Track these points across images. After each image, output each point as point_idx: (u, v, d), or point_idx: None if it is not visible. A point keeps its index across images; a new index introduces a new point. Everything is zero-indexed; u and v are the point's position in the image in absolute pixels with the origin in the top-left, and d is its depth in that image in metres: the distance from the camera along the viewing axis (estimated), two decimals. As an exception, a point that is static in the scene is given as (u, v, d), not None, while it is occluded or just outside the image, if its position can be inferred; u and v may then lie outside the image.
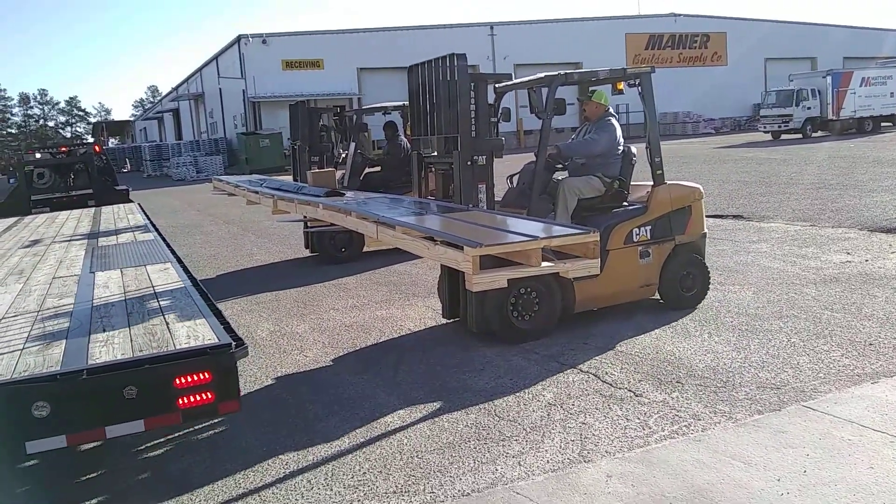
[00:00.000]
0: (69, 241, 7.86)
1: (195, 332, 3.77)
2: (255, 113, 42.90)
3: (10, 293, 5.13)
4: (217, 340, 3.60)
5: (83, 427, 3.41)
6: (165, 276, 5.31)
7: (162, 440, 4.75)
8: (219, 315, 4.08)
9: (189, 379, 3.46)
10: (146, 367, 3.39)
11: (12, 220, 11.25)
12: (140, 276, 5.36)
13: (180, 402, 3.47)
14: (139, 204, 12.39)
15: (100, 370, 3.33)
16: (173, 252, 6.42)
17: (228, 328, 3.84)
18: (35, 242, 7.99)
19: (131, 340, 3.70)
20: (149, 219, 9.54)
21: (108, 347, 3.61)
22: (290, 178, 12.01)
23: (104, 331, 3.91)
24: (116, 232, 8.38)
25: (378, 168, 11.68)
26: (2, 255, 7.20)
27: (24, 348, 3.69)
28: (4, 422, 3.22)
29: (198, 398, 3.50)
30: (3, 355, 3.57)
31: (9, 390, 3.19)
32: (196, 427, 4.89)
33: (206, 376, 3.49)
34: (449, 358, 5.99)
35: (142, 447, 4.67)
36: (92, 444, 4.73)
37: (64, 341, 3.76)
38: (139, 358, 3.43)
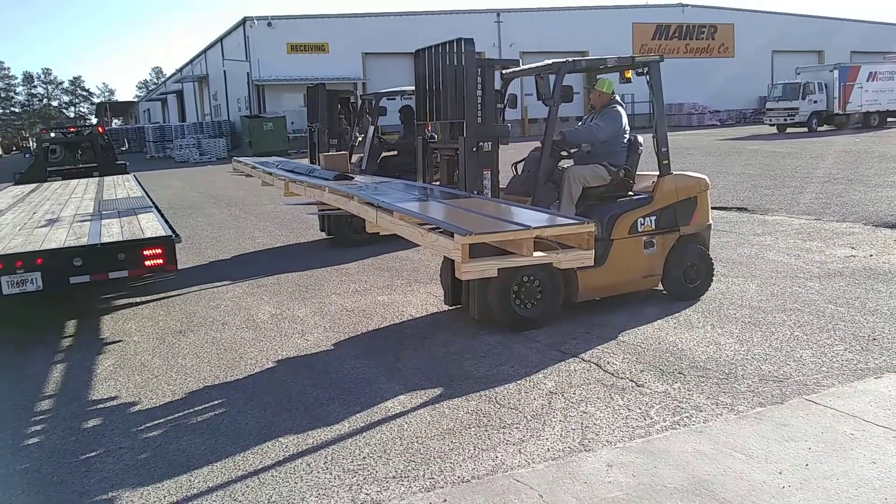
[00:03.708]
0: (81, 197, 11.17)
1: (155, 230, 7.18)
2: (259, 96, 42.71)
3: (50, 219, 8.66)
4: (166, 233, 6.95)
5: (98, 271, 6.58)
6: (144, 212, 8.53)
7: (162, 421, 4.76)
8: (169, 225, 7.52)
9: (151, 252, 6.72)
10: (129, 243, 6.71)
11: (34, 185, 14.70)
12: (128, 211, 8.72)
13: (146, 263, 6.72)
14: (134, 175, 15.30)
15: (106, 244, 6.66)
16: (152, 201, 9.85)
17: (173, 229, 7.23)
18: (59, 198, 11.27)
19: (122, 233, 7.16)
20: (140, 184, 12.62)
21: (110, 235, 7.05)
22: (305, 161, 11.95)
23: (108, 229, 7.39)
24: (115, 191, 11.65)
25: (395, 152, 11.62)
26: (37, 204, 10.58)
27: (67, 236, 7.18)
28: (58, 267, 6.43)
29: (155, 262, 6.73)
30: (58, 240, 6.96)
31: (62, 252, 6.52)
32: (196, 408, 4.93)
33: (160, 251, 6.74)
34: (450, 345, 5.97)
35: (142, 427, 4.67)
36: (92, 423, 4.77)
37: (87, 234, 7.17)
38: (126, 240, 6.79)
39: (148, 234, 6.92)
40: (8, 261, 6.32)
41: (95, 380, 5.62)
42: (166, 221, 7.75)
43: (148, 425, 4.71)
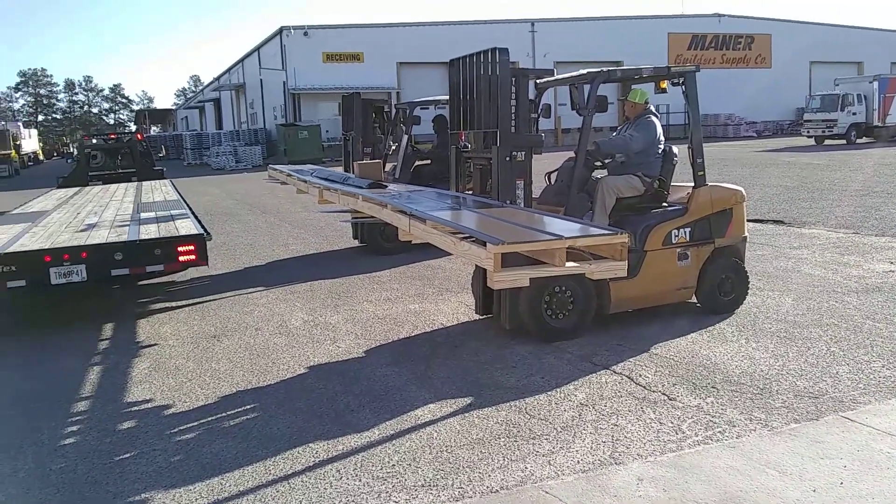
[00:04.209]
0: (121, 199, 11.77)
1: (188, 229, 7.86)
2: (294, 104, 43.15)
3: (95, 219, 9.23)
4: (198, 232, 7.65)
5: (136, 265, 7.27)
6: (178, 212, 9.37)
7: (195, 424, 4.82)
8: (202, 225, 8.25)
9: (184, 248, 7.41)
10: (165, 240, 7.47)
11: (76, 189, 15.15)
12: (164, 213, 9.33)
13: (180, 258, 7.44)
14: (170, 180, 15.94)
15: (144, 241, 7.35)
16: (186, 203, 10.54)
17: (205, 228, 8.00)
18: (101, 200, 11.93)
19: (158, 231, 7.87)
20: (175, 188, 13.21)
21: (148, 233, 7.75)
22: (340, 169, 12.05)
23: (146, 227, 8.09)
24: (153, 195, 12.22)
25: (428, 161, 11.67)
26: (80, 206, 11.20)
27: (109, 234, 7.81)
28: (101, 260, 7.12)
29: (188, 258, 7.45)
30: (101, 237, 7.63)
31: (105, 247, 7.22)
32: (228, 412, 4.99)
33: (192, 247, 7.42)
34: (481, 354, 5.97)
35: (175, 430, 4.73)
36: (127, 425, 4.84)
37: (127, 231, 7.88)
38: (162, 237, 7.56)
39: (182, 233, 7.68)
40: (56, 254, 7.05)
41: (131, 382, 5.71)
42: (199, 221, 8.46)
43: (181, 428, 4.78)
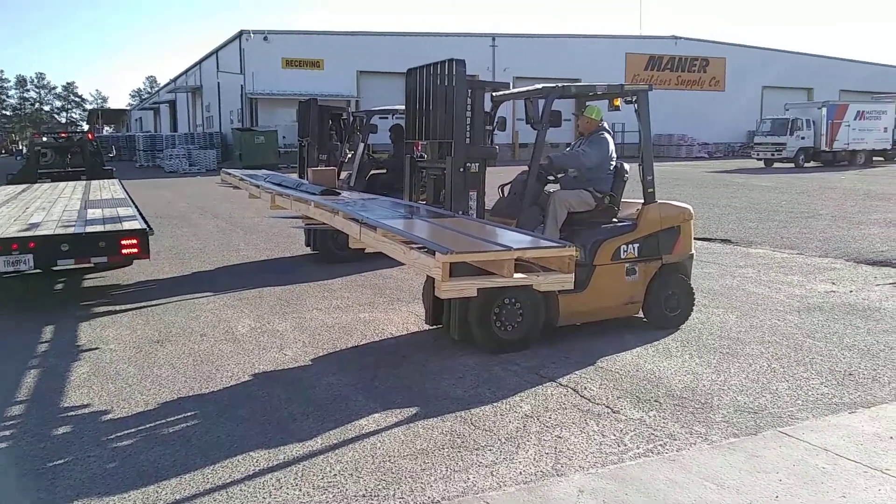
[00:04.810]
0: (69, 196, 11.84)
1: (132, 224, 8.24)
2: (252, 109, 42.78)
3: (43, 214, 9.44)
4: (141, 227, 8.05)
5: (81, 256, 7.72)
6: (124, 209, 9.62)
7: (133, 430, 4.71)
8: (145, 220, 8.59)
9: (127, 242, 7.80)
10: (109, 234, 7.84)
11: (24, 185, 15.48)
12: (111, 209, 9.59)
13: (123, 251, 7.81)
14: (119, 180, 16.17)
15: (90, 234, 7.76)
16: (132, 201, 10.88)
17: (147, 224, 8.36)
18: (49, 197, 12.08)
19: (104, 225, 8.20)
20: (123, 187, 13.26)
21: (93, 226, 8.08)
22: (295, 176, 11.93)
23: (93, 221, 8.45)
24: (101, 193, 12.36)
25: (384, 170, 11.62)
26: (29, 201, 11.41)
27: (56, 227, 8.16)
28: (48, 251, 7.49)
29: (131, 251, 7.83)
30: (49, 229, 8.01)
31: (52, 238, 7.56)
32: (168, 419, 4.89)
33: (135, 241, 7.81)
34: (429, 364, 5.95)
35: (112, 436, 4.62)
36: (62, 430, 4.71)
37: (74, 224, 8.23)
38: (107, 230, 7.93)
39: (126, 227, 8.08)
40: (5, 244, 7.42)
41: (68, 387, 5.56)
42: (143, 218, 8.87)
43: (118, 434, 4.66)
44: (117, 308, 8.05)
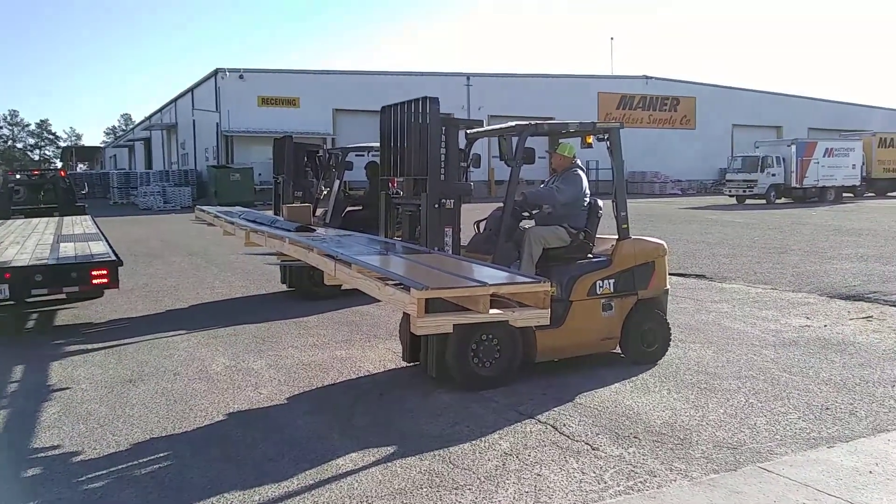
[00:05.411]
0: (42, 231, 12.12)
1: (102, 255, 8.69)
2: (227, 147, 42.76)
3: (17, 248, 9.66)
4: (111, 258, 8.52)
5: (54, 285, 8.09)
6: (96, 244, 9.76)
7: (104, 472, 4.60)
8: (115, 252, 8.96)
9: (98, 272, 8.20)
10: (80, 264, 8.29)
11: None
12: (82, 244, 9.89)
13: (93, 281, 8.19)
14: (91, 216, 15.96)
15: (62, 264, 8.21)
16: (103, 235, 10.99)
17: (117, 256, 8.74)
18: (23, 231, 12.36)
19: (76, 256, 8.65)
20: (95, 223, 13.36)
21: (66, 257, 8.55)
22: (270, 212, 11.87)
23: (64, 254, 8.84)
24: (73, 228, 12.59)
25: (360, 207, 11.61)
26: (3, 235, 11.56)
27: (31, 258, 8.55)
28: (23, 280, 7.85)
29: (101, 281, 8.23)
30: (23, 260, 8.43)
31: (26, 268, 7.98)
32: (141, 460, 4.78)
33: (105, 272, 8.23)
34: (406, 402, 5.90)
35: (83, 478, 4.50)
36: (32, 472, 4.59)
37: (48, 255, 8.67)
38: (78, 261, 8.38)
39: (96, 259, 8.53)
40: None
41: (38, 427, 5.43)
42: (113, 250, 9.24)
43: (89, 476, 4.55)
44: (89, 346, 7.91)
